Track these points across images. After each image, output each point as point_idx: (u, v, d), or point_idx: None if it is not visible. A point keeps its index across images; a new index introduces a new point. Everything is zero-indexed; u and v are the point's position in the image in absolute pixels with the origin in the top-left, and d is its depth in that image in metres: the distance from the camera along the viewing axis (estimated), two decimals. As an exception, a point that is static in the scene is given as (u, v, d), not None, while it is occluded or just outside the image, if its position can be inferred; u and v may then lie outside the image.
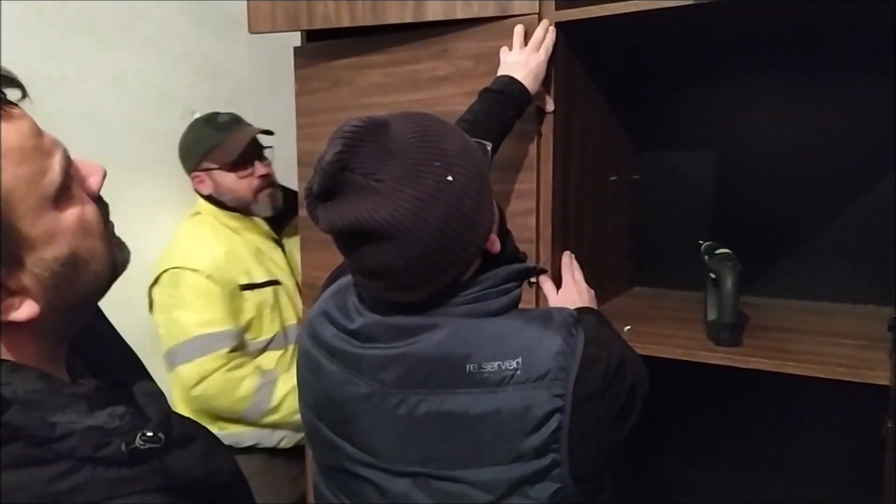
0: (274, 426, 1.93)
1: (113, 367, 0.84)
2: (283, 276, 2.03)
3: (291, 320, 2.02)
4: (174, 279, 1.85)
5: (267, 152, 2.03)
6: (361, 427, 0.99)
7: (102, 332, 0.88)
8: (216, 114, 1.99)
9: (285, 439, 1.98)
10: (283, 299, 2.01)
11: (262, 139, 2.02)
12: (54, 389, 0.68)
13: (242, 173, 1.94)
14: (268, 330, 1.96)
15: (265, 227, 2.03)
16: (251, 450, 1.94)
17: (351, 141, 0.87)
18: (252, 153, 1.96)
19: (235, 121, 1.98)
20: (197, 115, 1.99)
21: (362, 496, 1.02)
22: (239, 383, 1.83)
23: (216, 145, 1.92)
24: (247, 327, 1.92)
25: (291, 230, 2.10)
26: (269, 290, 1.96)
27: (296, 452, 2.02)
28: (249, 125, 2.00)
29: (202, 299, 1.83)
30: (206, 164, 1.94)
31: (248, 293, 1.91)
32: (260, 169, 1.97)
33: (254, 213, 2.00)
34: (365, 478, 1.00)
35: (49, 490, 0.64)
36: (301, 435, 1.97)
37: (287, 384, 1.89)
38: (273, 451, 1.98)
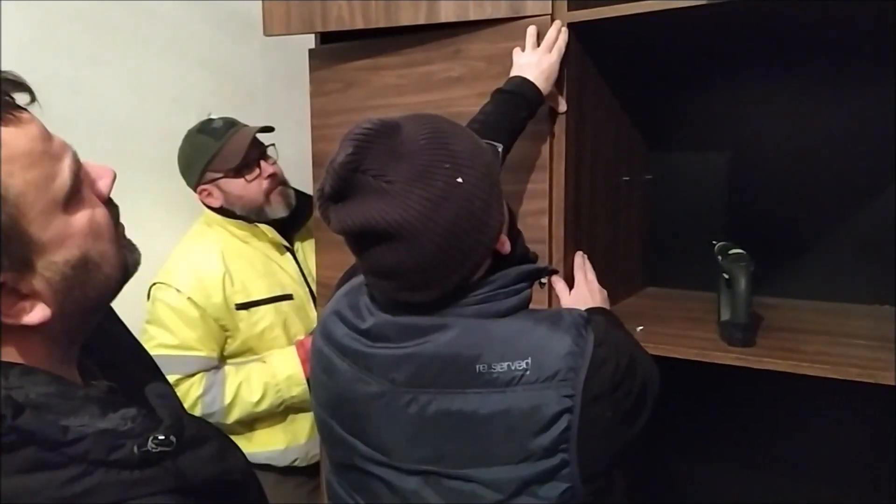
0: (251, 420, 1.87)
1: (125, 367, 0.85)
2: (295, 286, 1.95)
3: (300, 336, 1.92)
4: (157, 293, 1.80)
5: (270, 150, 1.95)
6: (373, 425, 1.00)
7: (115, 333, 0.89)
8: (210, 120, 1.90)
9: (298, 460, 1.94)
10: (290, 314, 1.91)
11: (263, 137, 1.93)
12: (66, 392, 0.69)
13: (250, 176, 1.87)
14: (271, 347, 1.89)
15: (275, 234, 1.94)
16: (263, 468, 1.88)
17: (362, 143, 0.88)
18: (255, 154, 1.88)
19: (231, 124, 1.89)
20: (213, 117, 1.93)
21: (374, 494, 1.03)
22: (184, 397, 1.74)
23: (216, 153, 1.84)
24: (244, 347, 1.86)
25: (305, 234, 2.06)
26: (270, 307, 1.87)
27: (312, 470, 1.99)
28: (246, 126, 1.91)
29: (176, 321, 1.77)
30: (210, 175, 1.86)
31: (243, 313, 1.83)
32: (267, 168, 1.90)
33: (268, 216, 1.92)
34: (376, 476, 1.01)
35: (62, 493, 0.64)
36: (316, 453, 1.96)
37: (238, 376, 1.81)
38: (286, 470, 1.94)
